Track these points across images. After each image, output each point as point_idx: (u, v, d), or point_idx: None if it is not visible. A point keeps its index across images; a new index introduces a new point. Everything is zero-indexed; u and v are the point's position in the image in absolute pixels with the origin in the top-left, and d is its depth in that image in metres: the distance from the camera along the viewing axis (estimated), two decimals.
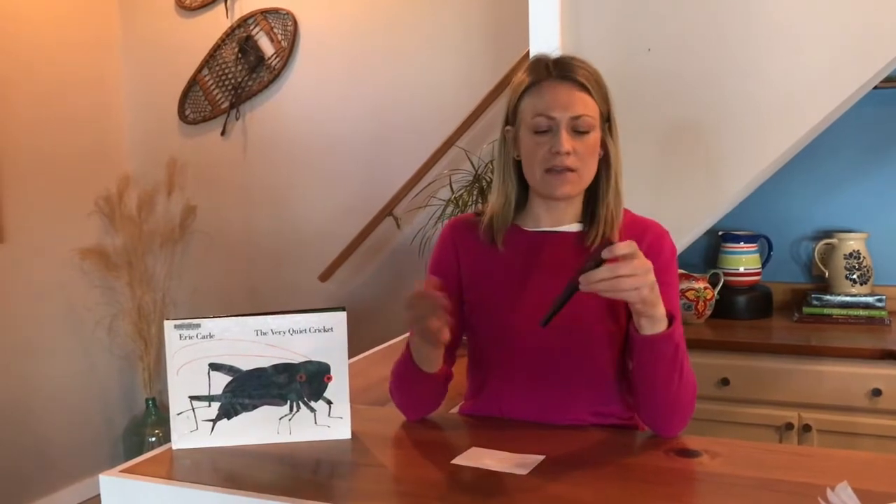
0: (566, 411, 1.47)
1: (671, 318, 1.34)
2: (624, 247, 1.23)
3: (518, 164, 1.51)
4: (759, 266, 2.82)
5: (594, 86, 1.45)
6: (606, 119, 1.48)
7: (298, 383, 1.41)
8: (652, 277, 1.26)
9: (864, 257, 2.73)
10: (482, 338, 1.54)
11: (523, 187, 1.54)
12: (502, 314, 1.49)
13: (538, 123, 1.43)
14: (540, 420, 1.47)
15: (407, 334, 1.63)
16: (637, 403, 1.46)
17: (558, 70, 1.45)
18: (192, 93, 3.84)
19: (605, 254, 1.23)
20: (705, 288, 2.67)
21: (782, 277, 2.93)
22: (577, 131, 1.42)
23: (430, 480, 1.24)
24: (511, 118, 1.51)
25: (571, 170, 1.42)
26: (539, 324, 1.29)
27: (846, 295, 2.69)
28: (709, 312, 2.69)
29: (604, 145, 1.48)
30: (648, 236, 1.48)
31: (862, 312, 2.64)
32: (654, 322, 1.31)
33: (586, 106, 1.43)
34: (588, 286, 1.23)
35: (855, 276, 2.72)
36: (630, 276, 1.23)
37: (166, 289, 3.94)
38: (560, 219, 1.51)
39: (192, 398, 1.40)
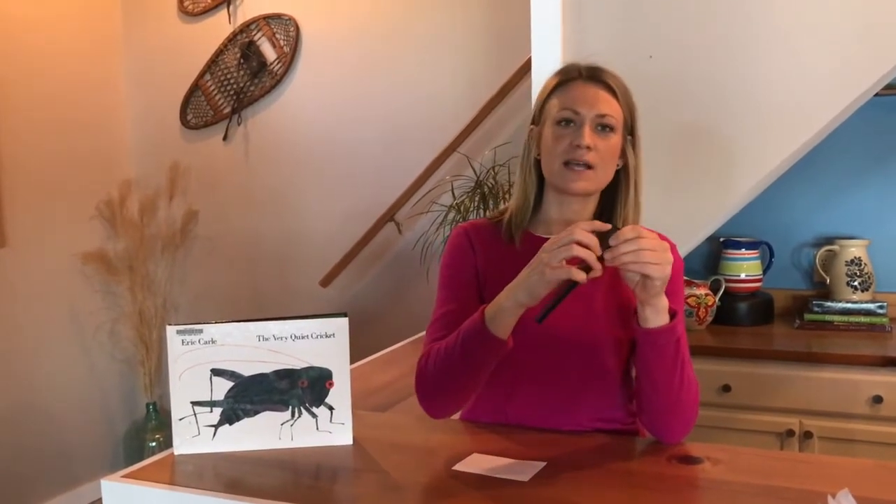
0: (570, 416, 1.47)
1: (673, 315, 1.34)
2: (629, 231, 1.25)
3: (538, 164, 1.52)
4: (761, 272, 2.83)
5: (622, 92, 1.48)
6: (630, 131, 1.50)
7: (300, 389, 1.41)
8: (670, 256, 1.28)
9: (865, 264, 2.73)
10: None
11: (541, 188, 1.54)
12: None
13: (563, 116, 1.46)
14: (544, 425, 1.47)
15: (405, 341, 1.63)
16: (640, 408, 1.46)
17: (588, 72, 1.49)
18: (194, 98, 3.85)
19: (611, 241, 1.25)
20: (706, 294, 2.67)
21: (783, 284, 2.93)
22: (600, 129, 1.44)
23: (431, 487, 1.24)
24: (537, 117, 1.53)
25: (590, 166, 1.44)
26: (535, 320, 1.29)
27: (847, 302, 2.69)
28: (710, 319, 2.69)
29: (624, 155, 1.49)
30: None
31: (863, 319, 2.64)
32: (658, 313, 1.32)
33: (611, 107, 1.46)
34: (613, 261, 1.25)
35: (856, 283, 2.72)
36: (651, 251, 1.25)
37: (167, 293, 3.94)
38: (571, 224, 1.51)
39: (194, 403, 1.40)
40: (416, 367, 1.50)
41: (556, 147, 1.45)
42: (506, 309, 1.35)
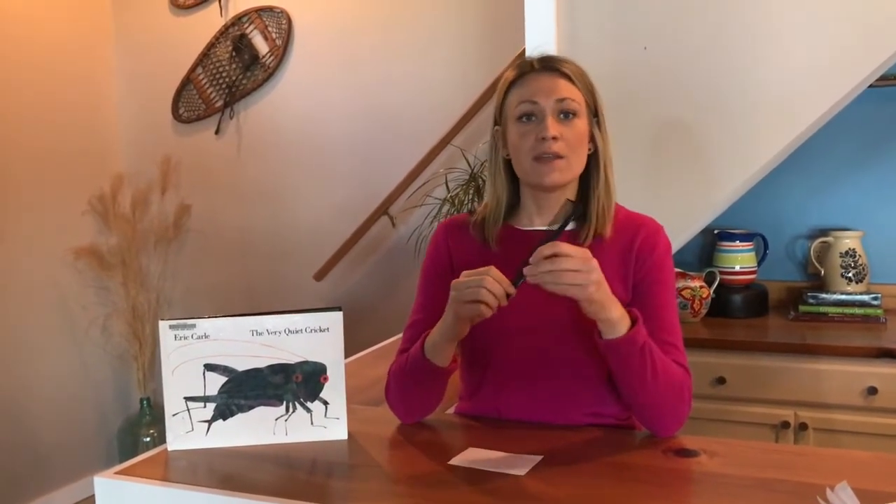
0: (562, 412, 1.47)
1: (634, 320, 1.33)
2: (547, 249, 1.25)
3: (508, 164, 1.51)
4: (755, 264, 2.82)
5: (578, 77, 1.46)
6: (594, 113, 1.48)
7: (294, 384, 1.40)
8: (597, 276, 1.27)
9: (859, 255, 2.73)
10: (477, 338, 1.53)
11: (515, 186, 1.53)
12: (496, 314, 1.48)
13: (523, 110, 1.44)
14: (536, 420, 1.47)
15: (399, 335, 1.63)
16: (628, 405, 1.46)
17: (542, 63, 1.47)
18: (185, 91, 3.83)
19: (531, 259, 1.26)
20: (701, 286, 2.67)
21: (778, 276, 2.93)
22: (563, 116, 1.42)
23: (426, 481, 1.24)
24: (498, 117, 1.51)
25: (560, 156, 1.42)
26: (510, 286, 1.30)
27: (842, 293, 2.69)
28: (704, 311, 2.69)
29: (592, 139, 1.47)
30: (643, 232, 1.47)
31: (857, 311, 2.64)
32: (612, 326, 1.32)
33: (570, 91, 1.44)
34: (533, 278, 1.26)
35: (850, 275, 2.72)
36: (573, 272, 1.24)
37: (160, 288, 3.92)
38: (552, 216, 1.50)
39: (188, 399, 1.39)
40: (385, 385, 1.54)
41: (522, 144, 1.44)
42: (438, 343, 1.41)
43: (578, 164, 1.46)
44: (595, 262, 1.27)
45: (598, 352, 1.44)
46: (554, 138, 1.40)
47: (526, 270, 1.26)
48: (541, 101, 1.42)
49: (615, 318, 1.31)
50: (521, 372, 1.48)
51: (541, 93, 1.43)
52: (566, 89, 1.43)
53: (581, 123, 1.44)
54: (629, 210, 1.54)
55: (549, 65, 1.46)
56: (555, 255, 1.25)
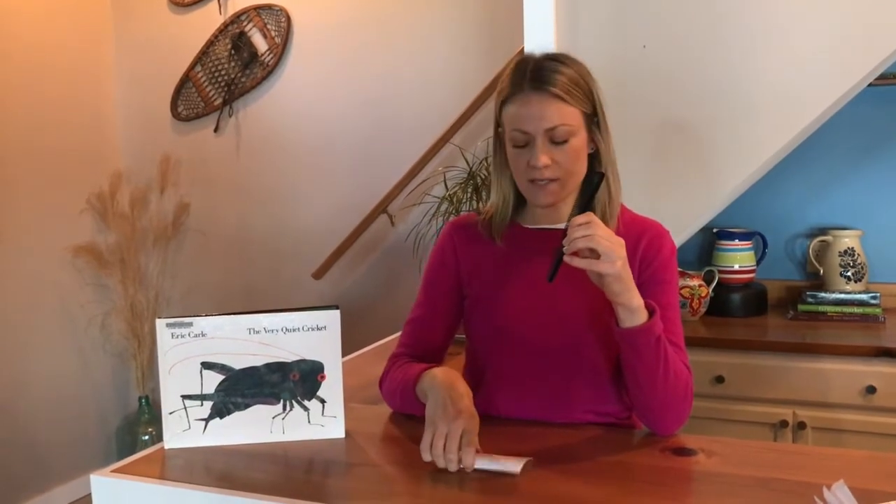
0: (563, 410, 1.46)
1: (651, 312, 1.33)
2: (581, 217, 1.28)
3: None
4: (754, 263, 2.82)
5: (572, 91, 1.40)
6: (593, 116, 1.45)
7: (292, 382, 1.40)
8: (624, 253, 1.28)
9: (858, 254, 2.73)
10: (480, 335, 1.54)
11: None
12: (500, 312, 1.49)
13: (515, 138, 1.43)
14: (536, 419, 1.46)
15: (398, 333, 1.63)
16: (631, 402, 1.45)
17: (534, 80, 1.40)
18: (184, 89, 3.83)
19: (580, 219, 1.27)
20: (700, 285, 2.67)
21: (777, 275, 2.93)
22: (555, 142, 1.40)
23: (424, 479, 1.23)
24: (499, 119, 1.50)
25: (553, 180, 1.42)
26: (547, 279, 1.30)
27: (841, 292, 2.69)
28: (703, 310, 2.69)
29: (594, 141, 1.46)
30: (648, 235, 1.48)
31: (856, 310, 2.64)
32: (632, 313, 1.31)
33: (562, 115, 1.39)
34: (570, 245, 1.26)
35: (849, 274, 2.72)
36: (606, 239, 1.25)
37: (159, 287, 3.92)
38: (558, 216, 1.50)
39: (185, 397, 1.39)
40: (382, 372, 1.57)
41: (516, 165, 1.44)
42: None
43: (574, 181, 1.45)
44: (622, 241, 1.29)
45: (601, 351, 1.44)
46: (545, 166, 1.39)
47: (564, 241, 1.26)
48: (529, 129, 1.40)
49: (635, 305, 1.31)
50: (522, 370, 1.48)
51: (530, 120, 1.39)
52: (557, 115, 1.39)
53: (575, 142, 1.41)
54: (634, 213, 1.53)
55: (540, 85, 1.39)
56: (588, 223, 1.26)
